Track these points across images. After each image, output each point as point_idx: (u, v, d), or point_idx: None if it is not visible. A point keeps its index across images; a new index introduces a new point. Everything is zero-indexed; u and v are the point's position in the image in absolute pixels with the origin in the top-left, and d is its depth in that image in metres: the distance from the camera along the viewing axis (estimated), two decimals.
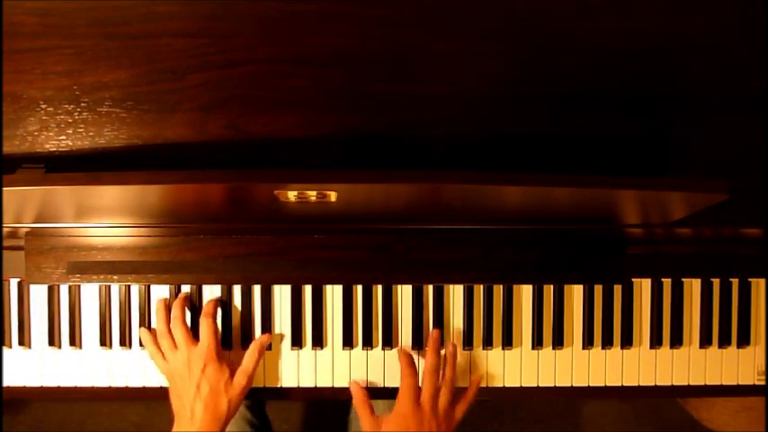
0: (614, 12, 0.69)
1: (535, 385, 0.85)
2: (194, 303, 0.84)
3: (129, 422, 1.53)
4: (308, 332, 0.84)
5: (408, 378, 0.78)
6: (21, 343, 0.83)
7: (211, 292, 0.84)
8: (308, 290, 0.84)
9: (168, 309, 0.82)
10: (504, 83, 0.70)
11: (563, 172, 0.70)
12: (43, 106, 0.69)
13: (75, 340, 0.83)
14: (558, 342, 0.85)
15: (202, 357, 0.77)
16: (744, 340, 0.86)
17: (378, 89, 0.70)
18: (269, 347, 0.84)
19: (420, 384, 0.79)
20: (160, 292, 0.84)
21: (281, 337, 0.84)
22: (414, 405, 0.76)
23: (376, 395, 0.85)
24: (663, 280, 0.86)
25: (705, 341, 0.86)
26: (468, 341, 0.84)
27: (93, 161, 0.70)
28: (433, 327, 0.84)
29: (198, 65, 0.68)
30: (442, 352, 0.83)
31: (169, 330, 0.80)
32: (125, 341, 0.83)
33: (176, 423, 0.77)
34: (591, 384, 0.86)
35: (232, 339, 0.84)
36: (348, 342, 0.84)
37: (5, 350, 0.83)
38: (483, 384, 0.85)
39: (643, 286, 0.86)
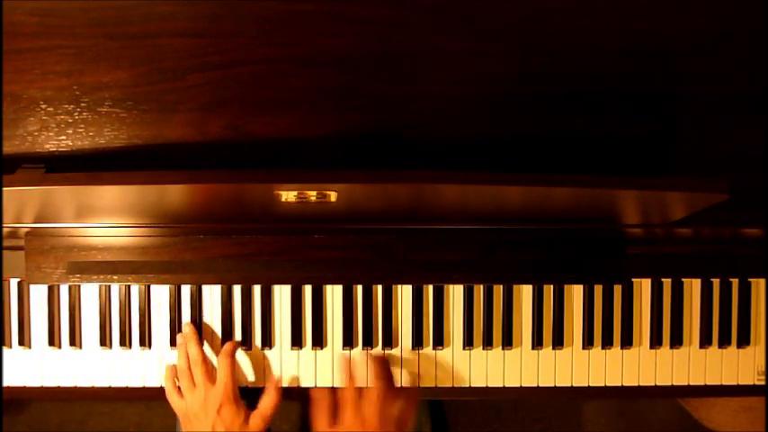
0: (614, 12, 0.69)
1: (535, 385, 0.85)
2: (195, 304, 0.84)
3: (129, 422, 1.53)
4: (308, 332, 0.84)
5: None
6: (21, 343, 0.83)
7: (211, 292, 0.84)
8: (307, 290, 0.84)
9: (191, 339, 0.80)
10: (503, 83, 0.70)
11: (563, 172, 0.70)
12: (43, 106, 0.69)
13: (75, 340, 0.83)
14: (558, 342, 0.85)
15: (219, 397, 0.75)
16: (744, 340, 0.86)
17: (378, 89, 0.70)
18: (269, 347, 0.84)
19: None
20: (160, 292, 0.84)
21: (281, 337, 0.84)
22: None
23: None
24: (663, 280, 0.86)
25: (705, 341, 0.86)
26: (468, 341, 0.84)
27: (93, 161, 0.70)
28: (433, 328, 0.84)
29: (198, 65, 0.68)
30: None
31: (189, 368, 0.78)
32: (125, 341, 0.83)
33: None
34: (591, 384, 0.86)
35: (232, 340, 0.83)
36: (348, 342, 0.84)
37: (5, 350, 0.83)
38: (483, 384, 0.85)
39: (643, 286, 0.86)
